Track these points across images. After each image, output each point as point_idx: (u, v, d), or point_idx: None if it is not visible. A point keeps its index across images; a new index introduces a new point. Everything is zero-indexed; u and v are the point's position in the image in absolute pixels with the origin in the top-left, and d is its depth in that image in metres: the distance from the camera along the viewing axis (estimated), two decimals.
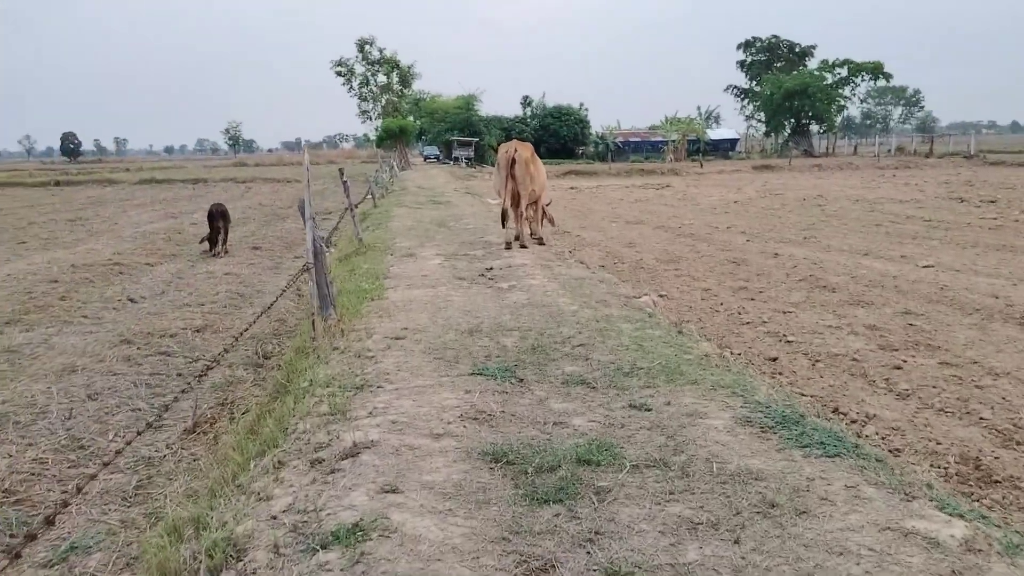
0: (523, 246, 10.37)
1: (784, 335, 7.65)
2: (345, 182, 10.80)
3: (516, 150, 10.12)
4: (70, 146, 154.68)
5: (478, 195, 26.30)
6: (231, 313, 9.89)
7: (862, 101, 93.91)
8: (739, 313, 8.70)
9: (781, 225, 17.44)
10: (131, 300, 10.82)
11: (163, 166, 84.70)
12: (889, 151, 62.15)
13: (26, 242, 17.66)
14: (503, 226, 11.84)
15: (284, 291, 7.14)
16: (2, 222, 22.89)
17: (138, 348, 7.93)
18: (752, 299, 9.52)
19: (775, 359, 6.76)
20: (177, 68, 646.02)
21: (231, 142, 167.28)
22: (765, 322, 8.24)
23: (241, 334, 6.40)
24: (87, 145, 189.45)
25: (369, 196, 20.01)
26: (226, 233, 15.61)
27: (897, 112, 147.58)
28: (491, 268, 8.38)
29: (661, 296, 9.67)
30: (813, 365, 6.64)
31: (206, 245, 15.51)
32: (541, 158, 11.08)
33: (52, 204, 30.43)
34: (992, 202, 21.67)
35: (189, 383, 3.94)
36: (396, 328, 5.72)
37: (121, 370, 7.14)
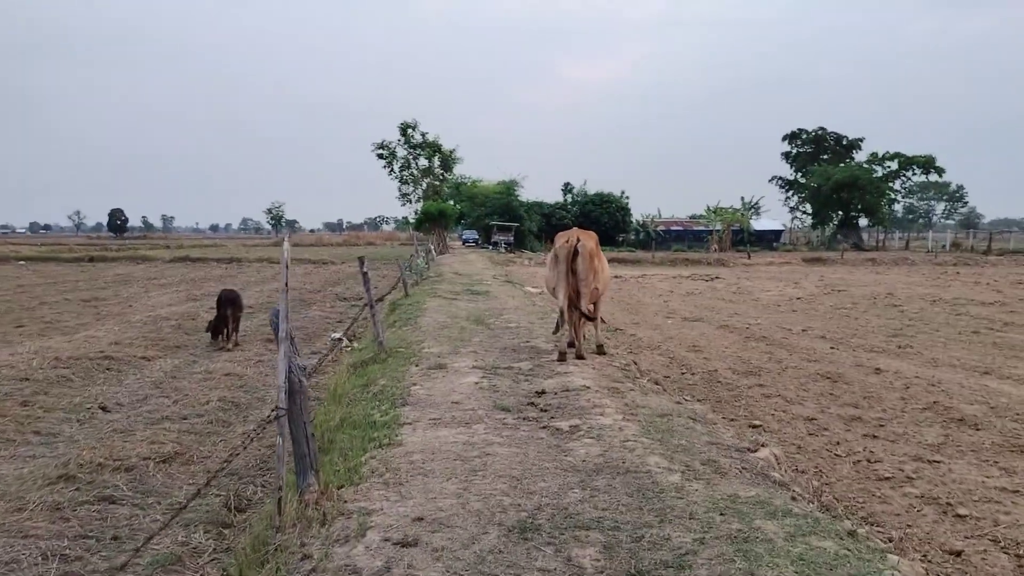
0: (580, 357, 8.40)
1: (948, 503, 5.53)
2: (365, 272, 9.01)
3: (579, 239, 8.29)
4: (117, 222, 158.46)
5: (518, 283, 24.56)
6: (216, 431, 8.02)
7: (905, 196, 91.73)
8: (868, 461, 6.58)
9: (863, 329, 15.29)
10: (103, 409, 9.02)
11: (203, 244, 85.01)
12: (944, 247, 59.65)
13: (24, 326, 16.16)
14: (555, 330, 9.93)
15: (267, 421, 5.24)
16: (14, 300, 21.61)
17: (77, 488, 6.05)
18: (875, 436, 7.40)
19: (959, 553, 4.64)
20: (225, 148, 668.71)
21: (273, 221, 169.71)
22: (911, 478, 6.12)
23: (213, 477, 4.54)
24: (135, 221, 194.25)
25: (400, 284, 18.28)
26: (236, 322, 13.94)
27: (940, 207, 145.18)
28: (543, 392, 6.43)
29: (758, 425, 7.61)
30: (1020, 567, 4.51)
31: (210, 337, 13.88)
32: None
33: (75, 282, 29.34)
34: None
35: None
36: (406, 517, 3.69)
37: (38, 528, 5.23)
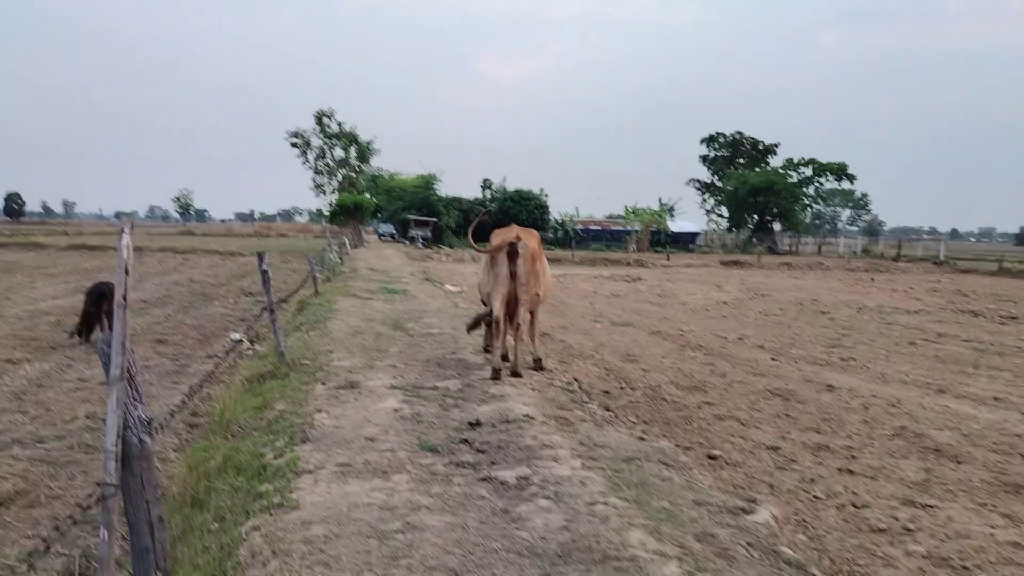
0: (516, 373, 7.24)
1: (963, 566, 4.63)
2: (265, 271, 7.59)
3: (519, 238, 7.13)
4: (13, 206, 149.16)
5: (437, 281, 23.30)
6: (76, 460, 6.56)
7: (816, 201, 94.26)
8: (855, 506, 5.66)
9: (799, 339, 14.68)
10: None
11: (105, 231, 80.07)
12: (855, 252, 61.20)
13: None
14: (486, 345, 8.76)
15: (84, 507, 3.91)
16: None
17: None
18: (850, 471, 6.53)
19: None
20: (131, 133, 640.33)
21: (181, 210, 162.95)
22: (909, 530, 5.21)
23: (56, 529, 3.19)
24: (33, 206, 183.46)
25: (311, 281, 16.77)
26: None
27: (845, 214, 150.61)
28: (478, 423, 5.26)
29: (716, 456, 6.65)
30: None
31: (76, 338, 12.15)
32: None
33: None
34: (1014, 318, 19.41)
35: None
36: None
37: None
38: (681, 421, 8.06)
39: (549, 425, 5.25)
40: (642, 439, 5.18)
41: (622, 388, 9.71)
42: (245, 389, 7.16)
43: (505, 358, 7.82)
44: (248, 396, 6.60)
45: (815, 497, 5.81)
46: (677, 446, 6.24)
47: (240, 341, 13.36)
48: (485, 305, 8.99)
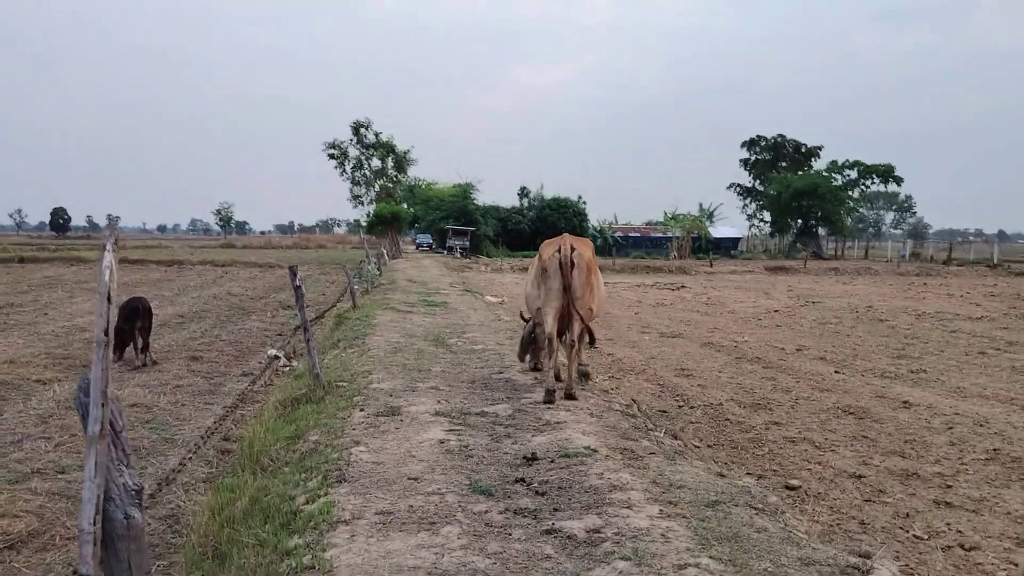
0: (570, 396, 6.62)
1: None
2: (298, 287, 7.05)
3: (574, 248, 6.54)
4: (59, 221, 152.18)
5: (477, 292, 22.77)
6: None
7: (862, 205, 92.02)
8: (963, 548, 4.96)
9: (862, 349, 13.86)
10: None
11: (146, 244, 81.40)
12: (903, 256, 59.48)
13: None
14: (530, 360, 8.17)
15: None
16: None
17: None
18: (947, 503, 5.81)
19: None
20: (175, 147, 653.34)
21: (222, 223, 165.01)
22: None
23: None
24: (79, 221, 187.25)
25: (348, 294, 16.35)
26: (146, 336, 11.88)
27: (889, 217, 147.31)
28: (534, 457, 4.66)
29: (797, 487, 5.99)
30: None
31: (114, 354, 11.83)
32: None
33: None
34: None
35: None
36: None
37: None
38: (750, 445, 7.39)
39: (614, 459, 4.63)
40: (722, 475, 4.55)
41: (680, 407, 9.07)
42: (278, 414, 6.66)
43: (558, 377, 7.21)
44: (280, 423, 6.08)
45: (916, 537, 5.12)
46: (759, 478, 5.59)
47: (277, 357, 12.93)
48: (525, 320, 8.41)
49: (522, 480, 4.24)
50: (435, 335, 10.94)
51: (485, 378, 7.60)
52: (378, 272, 26.12)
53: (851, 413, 8.75)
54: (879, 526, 5.30)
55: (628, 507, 3.77)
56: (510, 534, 3.47)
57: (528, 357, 8.33)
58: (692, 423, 8.19)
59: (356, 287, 18.34)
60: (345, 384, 7.03)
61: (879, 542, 4.98)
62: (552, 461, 4.63)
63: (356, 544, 3.35)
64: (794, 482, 6.20)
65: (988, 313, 20.88)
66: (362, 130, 62.42)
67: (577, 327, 6.64)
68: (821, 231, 66.74)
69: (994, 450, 7.19)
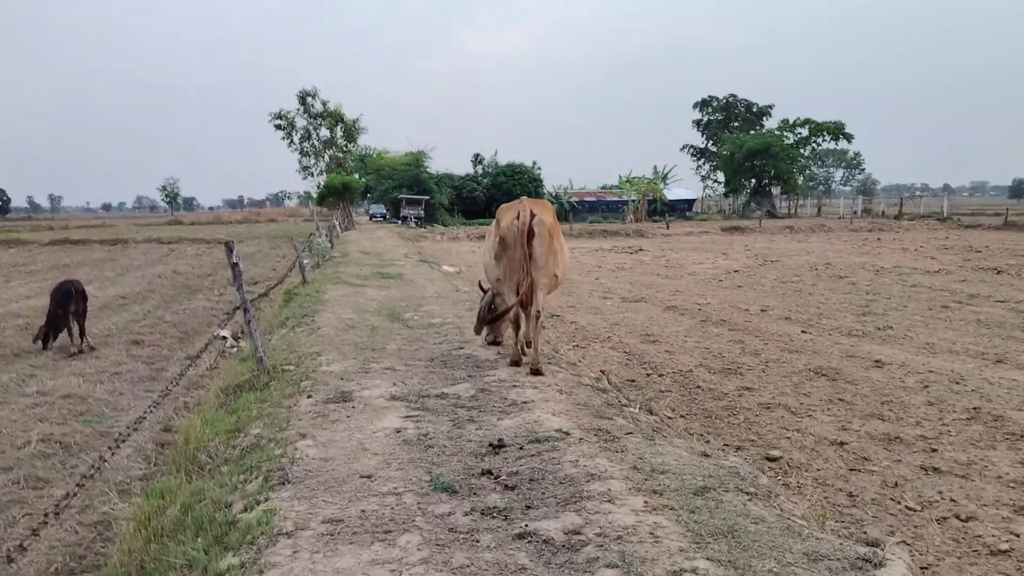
0: (536, 371, 6.16)
1: None
2: (235, 264, 6.38)
3: (534, 215, 6.05)
4: None
5: (433, 262, 22.19)
6: (21, 499, 5.53)
7: (813, 162, 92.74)
8: (959, 519, 4.66)
9: (826, 307, 13.67)
10: None
11: (91, 224, 78.71)
12: (855, 212, 60.13)
13: None
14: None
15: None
16: None
17: None
18: (935, 469, 5.53)
19: None
20: (117, 124, 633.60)
21: (168, 199, 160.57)
22: None
23: None
24: (19, 202, 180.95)
25: (298, 268, 15.68)
26: (81, 321, 11.20)
27: (839, 174, 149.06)
28: (501, 444, 4.20)
29: (777, 457, 5.66)
30: None
31: (41, 343, 11.12)
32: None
33: None
34: None
35: None
36: None
37: None
38: (724, 413, 7.06)
39: (589, 443, 4.20)
40: (706, 455, 4.15)
41: (649, 375, 8.72)
42: (219, 403, 6.10)
43: (526, 348, 6.74)
44: (221, 414, 5.53)
45: (909, 509, 4.82)
46: (738, 449, 5.21)
47: (224, 338, 12.30)
48: (483, 291, 7.92)
49: (489, 472, 3.78)
50: (390, 310, 10.40)
51: (444, 355, 7.10)
52: (330, 245, 25.32)
53: (823, 375, 8.49)
54: (868, 498, 4.99)
55: (609, 500, 3.34)
56: (478, 541, 3.01)
57: (486, 331, 7.86)
58: (663, 392, 7.84)
59: (307, 261, 17.65)
60: (292, 368, 6.48)
61: (871, 516, 4.66)
62: (521, 448, 4.18)
63: (299, 563, 2.87)
64: (774, 452, 5.88)
65: (944, 266, 20.98)
66: (309, 99, 60.68)
67: (541, 297, 6.18)
68: (774, 190, 67.06)
69: (974, 408, 6.96)
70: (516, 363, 6.35)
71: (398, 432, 4.50)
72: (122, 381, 9.48)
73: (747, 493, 3.54)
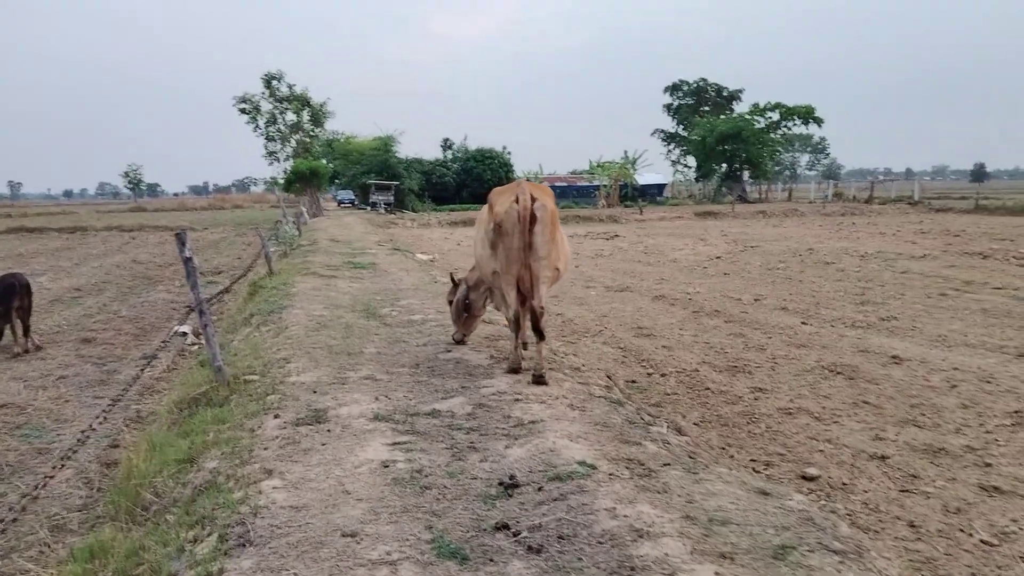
0: (539, 379, 5.34)
1: None
2: (188, 259, 5.42)
3: (535, 199, 5.30)
4: None
5: (406, 250, 21.28)
6: None
7: (783, 147, 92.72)
8: None
9: (820, 295, 13.07)
10: None
11: (50, 211, 76.46)
12: (826, 197, 60.06)
13: None
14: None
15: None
16: None
17: None
18: (994, 488, 4.86)
19: None
20: (77, 108, 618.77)
21: (131, 186, 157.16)
22: None
23: None
24: None
25: (263, 258, 14.72)
26: (24, 318, 10.22)
27: (804, 158, 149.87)
28: (513, 483, 3.40)
29: (814, 476, 4.96)
30: None
31: None
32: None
33: None
34: None
35: None
36: None
37: None
38: (742, 421, 6.35)
39: (622, 479, 3.43)
40: (765, 493, 3.40)
41: (650, 375, 7.99)
42: (171, 420, 5.25)
43: (525, 348, 5.94)
44: (172, 437, 4.68)
45: (985, 544, 4.12)
46: (767, 466, 4.47)
47: (184, 334, 11.37)
48: (455, 282, 7.13)
49: (505, 527, 2.99)
50: (365, 304, 9.55)
51: (431, 360, 6.28)
52: (297, 232, 24.29)
53: (839, 372, 7.83)
54: (933, 529, 4.30)
55: (670, 573, 2.57)
56: None
57: (456, 326, 7.08)
58: (669, 395, 7.12)
59: (273, 250, 16.68)
60: (256, 378, 5.62)
61: (943, 554, 3.96)
62: (540, 488, 3.39)
63: None
64: (811, 470, 5.17)
65: (928, 251, 20.57)
66: (274, 82, 58.91)
67: (544, 291, 5.40)
68: (745, 175, 66.79)
69: (1015, 412, 6.32)
70: (515, 370, 5.56)
71: (386, 467, 3.69)
72: (68, 386, 8.56)
73: (833, 551, 2.81)
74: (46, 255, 26.17)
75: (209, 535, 3.07)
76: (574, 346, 9.33)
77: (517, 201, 5.18)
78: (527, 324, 5.58)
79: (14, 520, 3.72)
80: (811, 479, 5.06)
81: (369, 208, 51.87)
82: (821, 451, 5.60)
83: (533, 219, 5.14)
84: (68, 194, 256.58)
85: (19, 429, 7.01)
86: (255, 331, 8.02)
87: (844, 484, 4.98)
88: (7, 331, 10.14)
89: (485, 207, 5.82)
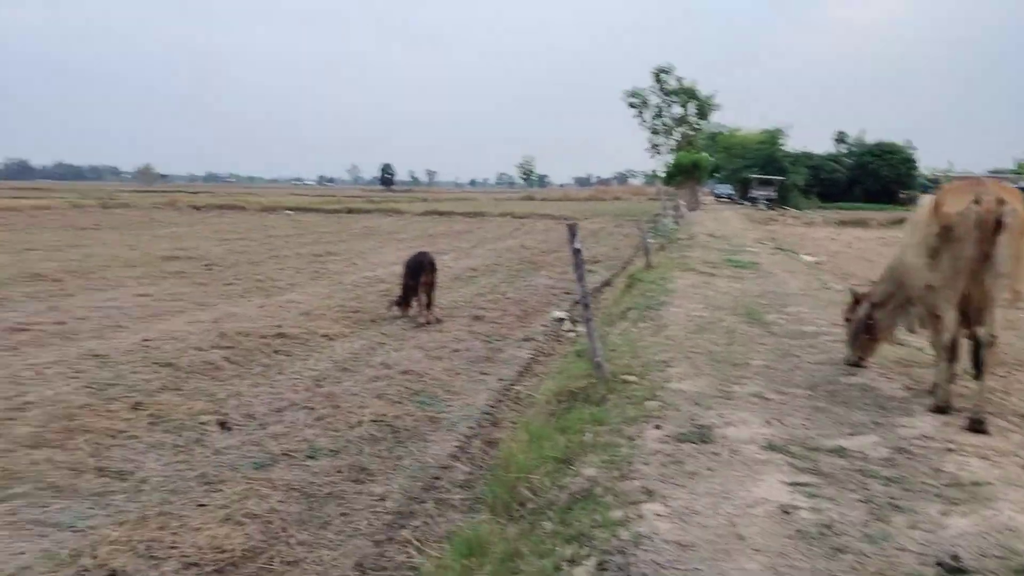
0: (978, 426, 4.25)
1: None
2: (577, 251, 5.39)
3: (1002, 200, 4.29)
4: (386, 176, 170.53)
5: (790, 250, 19.94)
6: (339, 495, 5.07)
7: None
8: None
9: None
10: (222, 426, 6.51)
11: (458, 197, 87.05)
12: None
13: (233, 284, 14.73)
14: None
15: None
16: (250, 252, 20.90)
17: None
18: None
19: None
20: (490, 105, 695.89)
21: (524, 176, 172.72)
22: None
23: None
24: (402, 176, 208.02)
25: (643, 251, 14.68)
26: (429, 292, 11.31)
27: None
28: (959, 567, 2.64)
29: None
30: None
31: (395, 311, 11.41)
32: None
33: (321, 233, 29.00)
34: None
35: None
36: None
37: None
38: None
39: None
40: None
41: None
42: (549, 411, 5.20)
43: (947, 382, 4.90)
44: (549, 430, 4.59)
45: None
46: None
47: (561, 320, 11.73)
48: (857, 299, 6.10)
49: None
50: (747, 308, 8.89)
51: (830, 381, 5.47)
52: (675, 225, 24.16)
53: None
54: None
55: None
56: None
57: (852, 348, 6.07)
58: None
59: (651, 243, 16.64)
60: (635, 379, 5.35)
61: None
62: None
63: None
64: None
65: None
66: (663, 76, 59.79)
67: (992, 315, 4.34)
68: None
69: None
70: (942, 409, 4.55)
71: (786, 513, 3.11)
72: (459, 359, 9.20)
73: None
74: (451, 236, 29.26)
75: (588, 557, 2.80)
76: (1004, 381, 7.70)
77: (978, 202, 4.18)
78: (962, 355, 4.54)
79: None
80: None
81: (748, 203, 50.28)
82: None
83: (999, 226, 4.11)
84: (473, 183, 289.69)
85: (417, 396, 7.60)
86: (632, 327, 7.83)
87: None
88: (414, 303, 11.32)
89: (922, 206, 4.84)
